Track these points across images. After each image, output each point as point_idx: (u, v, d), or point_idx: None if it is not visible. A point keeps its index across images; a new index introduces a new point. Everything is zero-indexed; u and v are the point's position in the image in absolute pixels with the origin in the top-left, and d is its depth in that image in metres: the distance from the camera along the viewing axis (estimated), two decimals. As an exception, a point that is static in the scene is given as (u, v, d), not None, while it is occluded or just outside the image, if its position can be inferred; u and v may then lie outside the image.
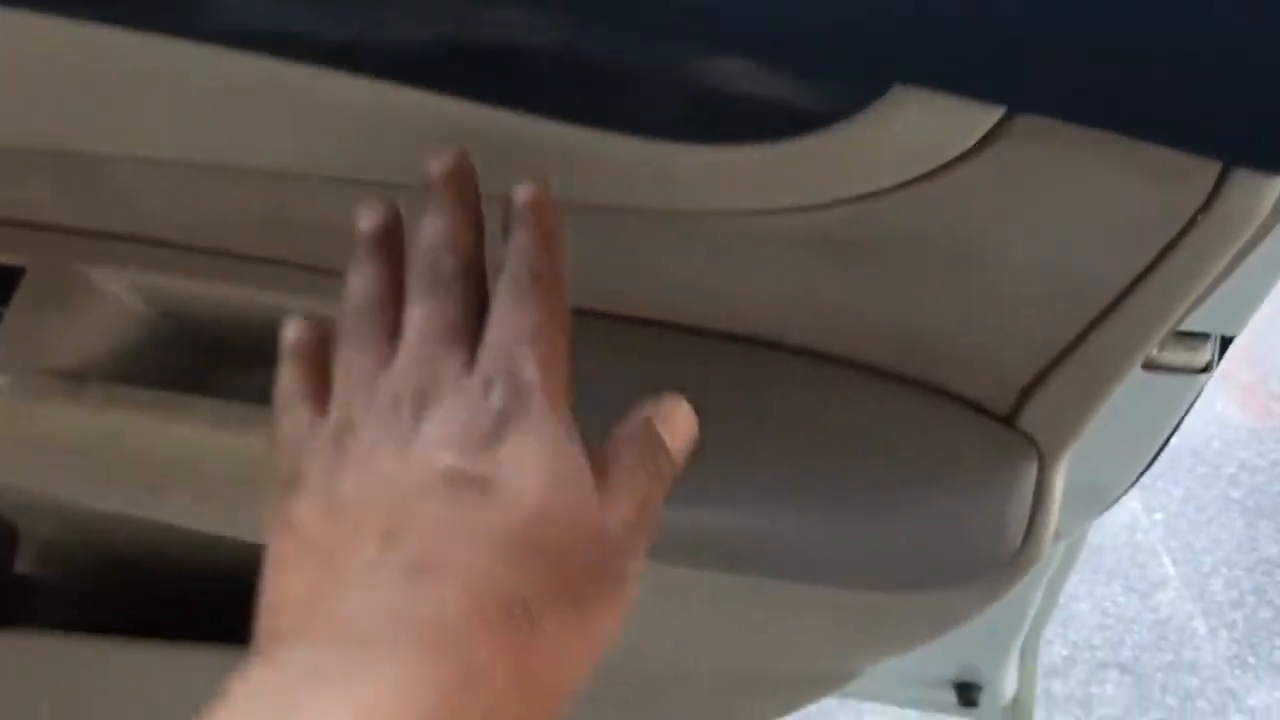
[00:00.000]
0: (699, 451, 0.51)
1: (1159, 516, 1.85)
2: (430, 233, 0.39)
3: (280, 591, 0.35)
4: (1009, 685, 1.03)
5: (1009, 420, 0.53)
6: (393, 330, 0.38)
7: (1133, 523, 1.84)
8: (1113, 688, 1.67)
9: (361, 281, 0.39)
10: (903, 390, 0.54)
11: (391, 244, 0.41)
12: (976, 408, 0.54)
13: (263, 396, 0.60)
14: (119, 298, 0.56)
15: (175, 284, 0.56)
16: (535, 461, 0.34)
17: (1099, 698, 1.66)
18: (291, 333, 0.40)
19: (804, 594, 0.56)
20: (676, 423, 0.39)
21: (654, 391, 0.40)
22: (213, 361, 0.61)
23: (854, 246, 0.47)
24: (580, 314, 0.54)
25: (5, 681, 0.77)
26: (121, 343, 0.56)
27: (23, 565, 0.72)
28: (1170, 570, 1.79)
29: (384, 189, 0.48)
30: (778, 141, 0.42)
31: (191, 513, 0.56)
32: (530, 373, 0.35)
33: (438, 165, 0.40)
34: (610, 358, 0.54)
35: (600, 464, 0.36)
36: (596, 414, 0.49)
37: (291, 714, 0.29)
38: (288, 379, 0.39)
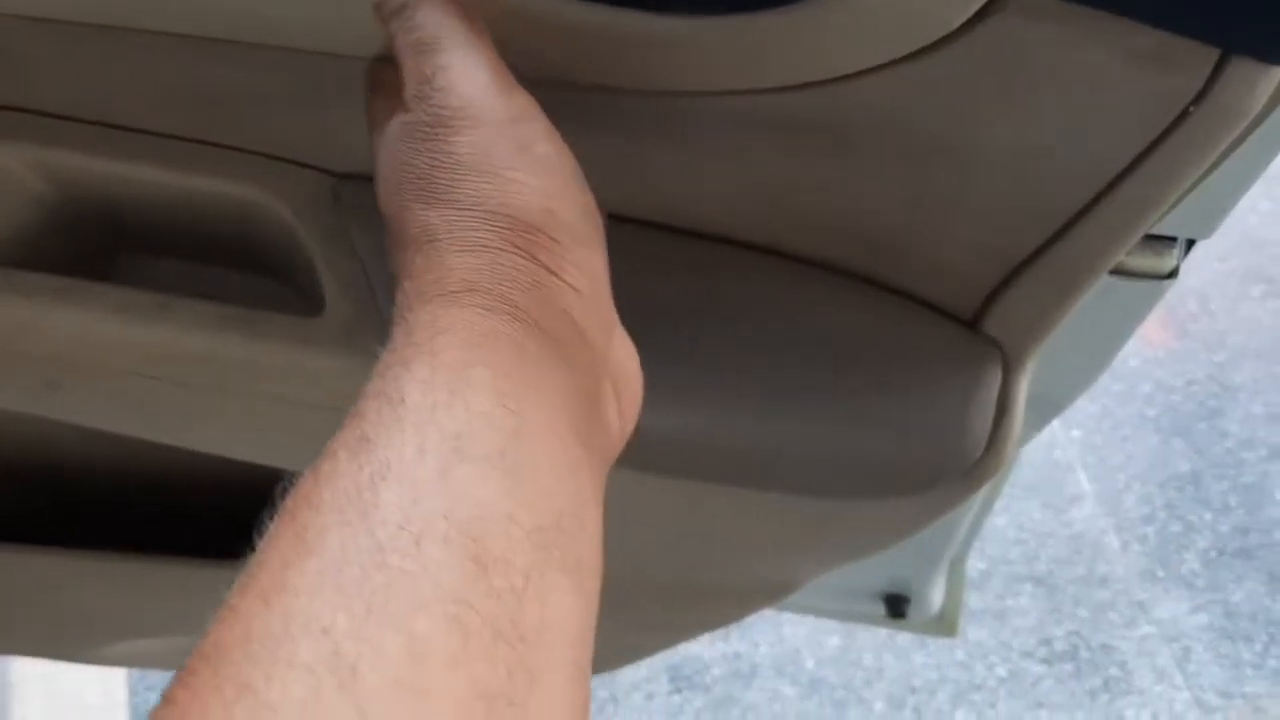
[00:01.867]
0: (647, 348, 0.48)
1: (1076, 434, 1.87)
2: None
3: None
4: (937, 598, 1.03)
5: (973, 324, 0.51)
6: None
7: (1050, 440, 1.86)
8: (1027, 600, 1.70)
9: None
10: (862, 290, 0.51)
11: None
12: (939, 310, 0.51)
13: (166, 283, 0.56)
14: (15, 175, 0.50)
15: (75, 160, 0.51)
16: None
17: (1014, 609, 1.69)
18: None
19: (751, 499, 0.53)
20: None
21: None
22: (113, 247, 0.56)
23: (820, 133, 0.44)
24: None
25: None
26: (17, 224, 0.50)
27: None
28: (1086, 486, 1.82)
29: (299, 55, 0.44)
30: (751, 14, 0.39)
31: (92, 410, 0.52)
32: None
33: None
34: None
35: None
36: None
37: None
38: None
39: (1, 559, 0.67)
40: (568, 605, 0.29)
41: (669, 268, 0.51)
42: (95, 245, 0.54)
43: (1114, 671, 1.64)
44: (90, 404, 0.52)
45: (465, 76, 0.35)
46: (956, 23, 0.38)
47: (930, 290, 0.50)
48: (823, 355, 0.50)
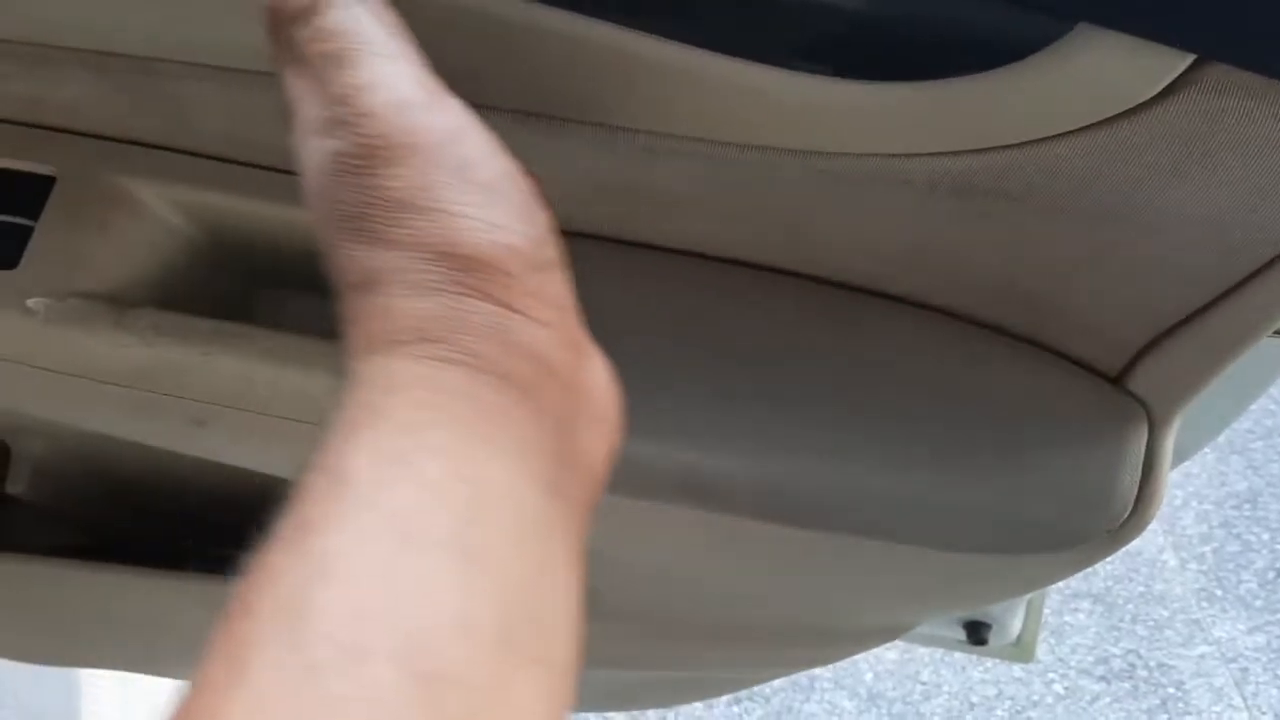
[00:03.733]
0: (789, 400, 0.48)
1: (1133, 449, 1.86)
2: None
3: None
4: (1017, 624, 1.02)
5: (1117, 381, 0.50)
6: None
7: (1106, 454, 1.84)
8: (1085, 617, 1.69)
9: None
10: (1005, 343, 0.51)
11: None
12: (1083, 366, 0.51)
13: (305, 319, 0.56)
14: (157, 213, 0.51)
15: (217, 200, 0.51)
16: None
17: (1072, 626, 1.68)
18: None
19: (886, 552, 0.53)
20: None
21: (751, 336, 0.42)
22: (251, 284, 0.56)
23: (996, 197, 0.43)
24: (678, 254, 0.51)
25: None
26: (159, 263, 0.51)
27: (15, 487, 0.67)
28: (1143, 502, 1.81)
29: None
30: (941, 81, 0.38)
31: (236, 449, 0.52)
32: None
33: None
34: (701, 300, 0.50)
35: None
36: (686, 349, 0.46)
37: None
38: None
39: (112, 580, 0.67)
40: (537, 711, 0.26)
41: (810, 318, 0.51)
42: (236, 282, 0.54)
43: (1171, 691, 1.63)
44: (235, 443, 0.52)
45: (388, 96, 0.31)
46: (1147, 95, 0.37)
47: (1077, 346, 0.50)
48: (966, 408, 0.50)
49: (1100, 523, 0.50)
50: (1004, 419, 0.50)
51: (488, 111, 0.33)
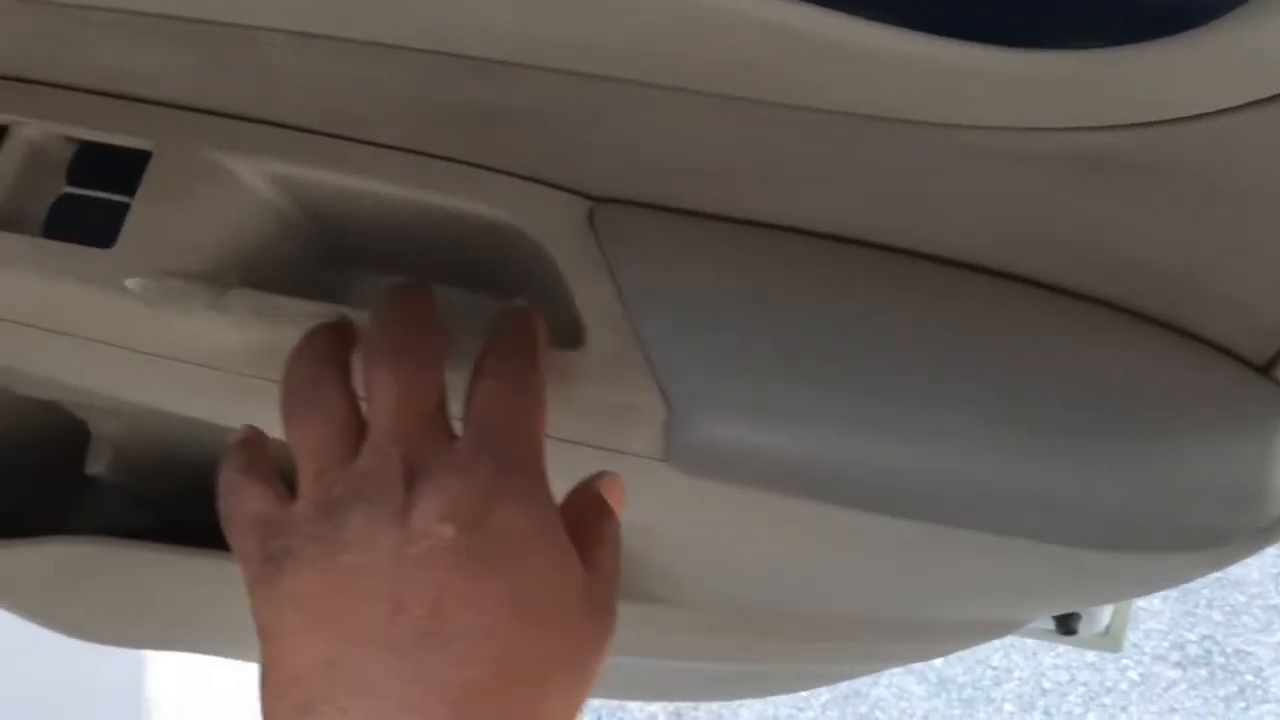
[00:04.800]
0: (912, 385, 0.46)
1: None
2: (391, 315, 0.41)
3: (291, 662, 0.35)
4: (1106, 613, 0.99)
5: (1266, 369, 0.47)
6: (350, 405, 0.40)
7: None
8: (1160, 602, 1.66)
9: (311, 354, 0.41)
10: (1143, 328, 0.48)
11: (343, 330, 0.43)
12: (1228, 353, 0.48)
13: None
14: (252, 188, 0.49)
15: (312, 174, 0.49)
16: (528, 530, 0.36)
17: (1146, 612, 1.64)
18: (241, 431, 0.43)
19: (1015, 549, 0.50)
20: (615, 490, 0.43)
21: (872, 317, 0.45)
22: (340, 261, 0.54)
23: (1141, 173, 0.40)
24: (797, 233, 0.48)
25: (72, 586, 0.73)
26: (254, 240, 0.49)
27: (95, 468, 0.66)
28: (1219, 485, 1.77)
29: (557, 75, 0.41)
30: (1098, 50, 0.35)
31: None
32: (517, 451, 0.38)
33: (391, 288, 0.43)
34: (829, 280, 0.48)
35: (570, 528, 0.39)
36: (803, 331, 0.44)
37: None
38: (238, 462, 0.41)
39: (188, 563, 0.66)
40: None
41: (931, 297, 0.49)
42: (326, 260, 0.52)
43: (1250, 678, 1.59)
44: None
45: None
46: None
47: (1221, 332, 0.47)
48: (1102, 397, 0.47)
49: (1248, 521, 0.47)
50: (1145, 409, 0.47)
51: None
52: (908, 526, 0.49)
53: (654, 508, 0.52)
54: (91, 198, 0.47)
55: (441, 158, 0.49)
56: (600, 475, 0.43)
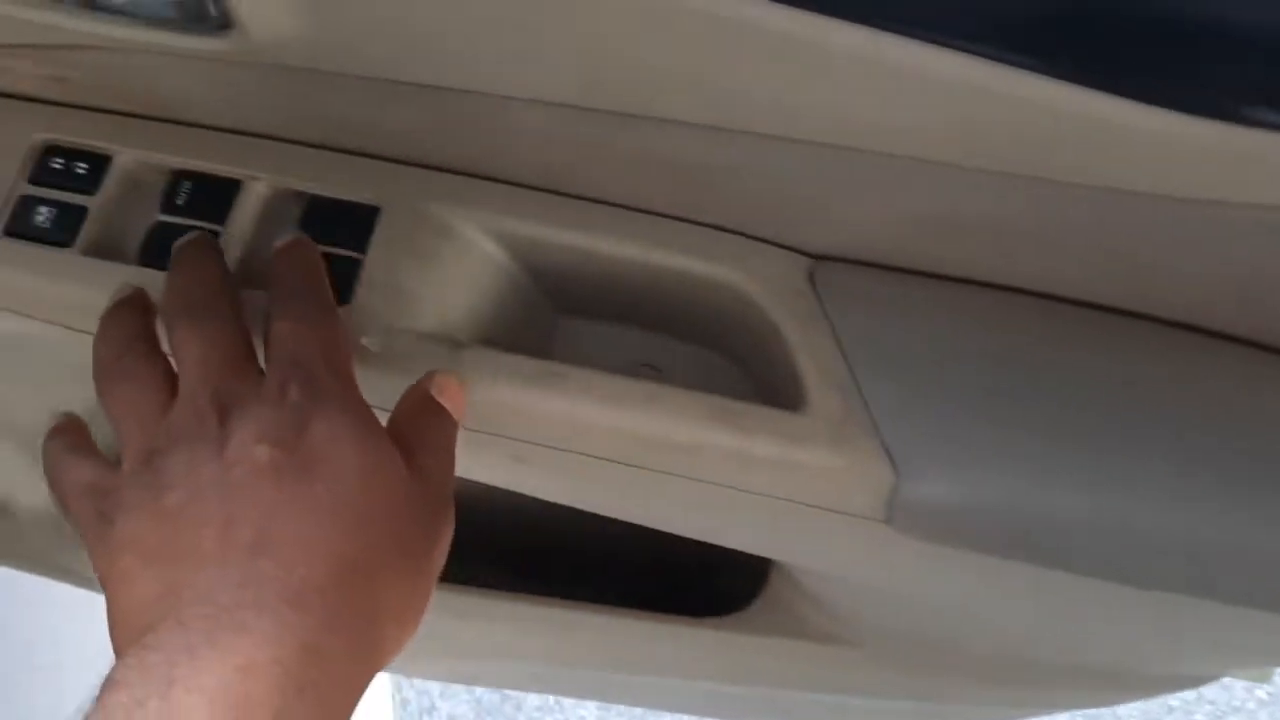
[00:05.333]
0: (1129, 443, 0.45)
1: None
2: (183, 277, 0.44)
3: (130, 599, 0.36)
4: None
5: None
6: (160, 367, 0.42)
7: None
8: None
9: (115, 329, 0.43)
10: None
11: (139, 301, 0.45)
12: None
13: (607, 353, 0.54)
14: (477, 244, 0.49)
15: (534, 230, 0.49)
16: (344, 438, 0.38)
17: None
18: (52, 420, 0.45)
19: (1218, 611, 0.50)
20: (449, 390, 0.44)
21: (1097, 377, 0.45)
22: (551, 310, 0.55)
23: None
24: (1015, 291, 0.48)
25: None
26: (479, 295, 0.50)
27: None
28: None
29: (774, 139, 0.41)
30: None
31: (552, 486, 0.51)
32: (319, 368, 0.40)
33: (181, 241, 0.46)
34: (1052, 341, 0.47)
35: (395, 430, 0.41)
36: (1043, 399, 0.43)
37: (177, 684, 0.32)
38: (61, 444, 0.43)
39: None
40: None
41: (1142, 354, 0.48)
42: (540, 309, 0.53)
43: (1383, 700, 1.55)
44: (552, 481, 0.51)
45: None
46: None
47: None
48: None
49: None
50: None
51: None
52: (1124, 591, 0.48)
53: (863, 563, 0.52)
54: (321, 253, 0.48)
55: (662, 214, 0.49)
56: (432, 375, 0.44)
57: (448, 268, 0.49)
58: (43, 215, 0.48)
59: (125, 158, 0.50)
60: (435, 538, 0.40)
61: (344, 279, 0.48)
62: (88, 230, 0.48)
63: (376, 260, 0.48)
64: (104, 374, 0.42)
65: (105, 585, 0.37)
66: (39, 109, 0.51)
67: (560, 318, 0.55)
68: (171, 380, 0.41)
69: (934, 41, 0.35)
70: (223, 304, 0.43)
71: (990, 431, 0.46)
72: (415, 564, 0.39)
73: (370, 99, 0.46)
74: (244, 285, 0.48)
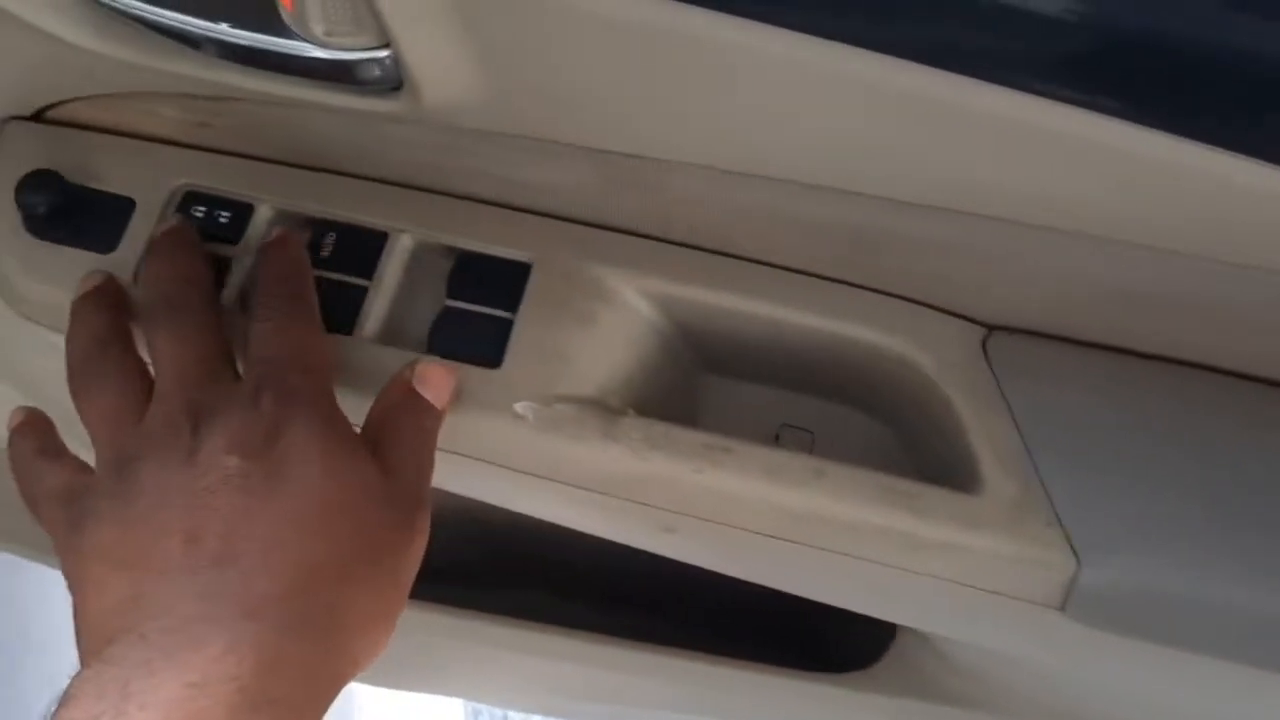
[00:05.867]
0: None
1: None
2: (160, 271, 0.43)
3: (96, 607, 0.36)
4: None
5: None
6: (133, 368, 0.41)
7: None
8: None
9: (88, 328, 0.43)
10: None
11: (111, 294, 0.45)
12: None
13: (753, 414, 0.52)
14: (631, 304, 0.47)
15: (689, 291, 0.47)
16: (313, 445, 0.38)
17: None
18: (16, 415, 0.44)
19: None
20: (432, 380, 0.43)
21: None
22: (695, 370, 0.53)
23: None
24: (1189, 365, 0.45)
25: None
26: (633, 358, 0.48)
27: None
28: None
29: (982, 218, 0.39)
30: None
31: (702, 554, 0.49)
32: (295, 377, 0.39)
33: (157, 230, 0.46)
34: (1231, 419, 0.45)
35: (373, 433, 0.41)
36: (1232, 482, 0.41)
37: (132, 700, 0.32)
38: (29, 447, 0.43)
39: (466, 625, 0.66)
40: None
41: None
42: (688, 368, 0.51)
43: None
44: (700, 551, 0.49)
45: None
46: None
47: None
48: None
49: None
50: None
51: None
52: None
53: (1022, 644, 0.50)
54: (471, 311, 0.46)
55: (828, 278, 0.47)
56: (414, 363, 0.43)
57: (603, 330, 0.47)
58: (186, 266, 0.47)
59: (268, 207, 0.48)
60: (406, 543, 0.40)
61: (495, 340, 0.46)
62: (232, 282, 0.47)
63: (529, 321, 0.46)
64: (77, 375, 0.42)
65: (73, 592, 0.37)
66: (178, 153, 0.49)
67: (705, 374, 0.53)
68: (145, 381, 0.41)
69: (1123, 118, 0.32)
70: (199, 299, 0.43)
71: (1172, 517, 0.44)
72: (384, 570, 0.39)
73: (531, 157, 0.44)
74: (389, 344, 0.46)
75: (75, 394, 0.41)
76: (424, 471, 0.41)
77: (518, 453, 0.46)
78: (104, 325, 0.43)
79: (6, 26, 0.40)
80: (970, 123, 0.34)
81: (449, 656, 0.72)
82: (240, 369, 0.42)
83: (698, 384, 0.52)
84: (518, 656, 0.69)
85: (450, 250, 0.48)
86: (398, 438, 0.41)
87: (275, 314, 0.42)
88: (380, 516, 0.39)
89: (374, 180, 0.48)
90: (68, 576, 0.38)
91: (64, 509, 0.39)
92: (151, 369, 0.42)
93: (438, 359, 0.44)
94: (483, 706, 1.56)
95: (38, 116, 0.50)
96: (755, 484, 0.44)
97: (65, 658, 0.35)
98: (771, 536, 0.45)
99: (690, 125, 0.39)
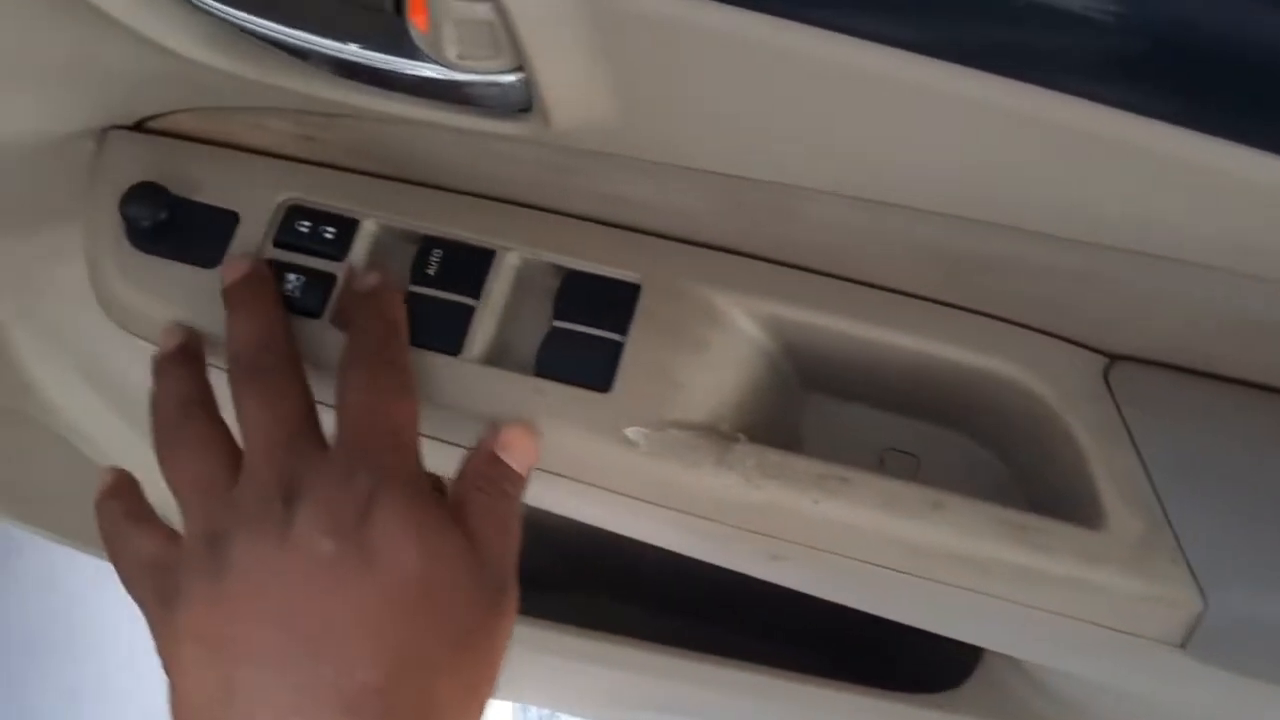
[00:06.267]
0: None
1: None
2: (242, 334, 0.42)
3: (194, 693, 0.36)
4: None
5: None
6: (220, 434, 0.41)
7: None
8: None
9: (173, 390, 0.42)
10: None
11: (193, 351, 0.44)
12: None
13: (858, 435, 0.51)
14: (741, 327, 0.47)
15: (813, 318, 0.46)
16: (406, 528, 0.37)
17: None
18: (106, 477, 0.43)
19: None
20: (515, 446, 0.42)
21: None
22: (799, 387, 0.52)
23: None
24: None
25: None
26: (743, 382, 0.47)
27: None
28: None
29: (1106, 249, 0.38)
30: None
31: (807, 580, 0.49)
32: (390, 458, 0.39)
33: (229, 275, 0.45)
34: None
35: (458, 507, 0.40)
36: None
37: None
38: (118, 510, 0.42)
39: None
40: None
41: None
42: (793, 390, 0.50)
43: None
44: (808, 578, 0.48)
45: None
46: None
47: None
48: None
49: None
50: None
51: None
52: None
53: (1136, 679, 0.49)
54: (580, 333, 0.46)
55: (942, 302, 0.46)
56: (497, 429, 0.42)
57: (714, 354, 0.46)
58: (291, 283, 0.46)
59: (373, 223, 0.47)
60: (496, 626, 0.39)
61: (605, 363, 0.45)
62: (334, 301, 0.46)
63: (639, 344, 0.45)
64: (164, 441, 0.41)
65: (167, 672, 0.37)
66: (281, 166, 0.48)
67: (808, 393, 0.52)
68: (233, 448, 0.40)
69: (1262, 148, 0.31)
70: (281, 360, 0.42)
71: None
72: (476, 655, 0.38)
73: (647, 178, 0.43)
74: (495, 365, 0.45)
75: (163, 460, 0.41)
76: (512, 546, 0.41)
77: (627, 478, 0.45)
78: (188, 388, 0.43)
79: (119, 38, 0.40)
80: (1108, 154, 0.33)
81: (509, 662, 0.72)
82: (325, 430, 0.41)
83: (801, 403, 0.51)
84: (582, 665, 0.68)
85: (557, 269, 0.47)
86: (485, 510, 0.40)
87: (367, 383, 0.41)
88: (472, 597, 0.38)
89: (480, 196, 0.48)
90: (161, 654, 0.38)
91: (153, 580, 0.39)
92: (237, 433, 0.41)
93: (520, 422, 0.43)
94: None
95: (139, 125, 0.49)
96: (872, 515, 0.43)
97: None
98: (886, 568, 0.44)
99: (824, 153, 0.38)
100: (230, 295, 0.44)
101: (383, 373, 0.41)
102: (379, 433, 0.40)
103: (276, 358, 0.42)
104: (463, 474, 0.42)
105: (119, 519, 0.42)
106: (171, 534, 0.40)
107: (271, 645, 0.35)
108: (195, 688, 0.36)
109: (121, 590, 0.40)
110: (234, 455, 0.40)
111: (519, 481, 0.42)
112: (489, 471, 0.42)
